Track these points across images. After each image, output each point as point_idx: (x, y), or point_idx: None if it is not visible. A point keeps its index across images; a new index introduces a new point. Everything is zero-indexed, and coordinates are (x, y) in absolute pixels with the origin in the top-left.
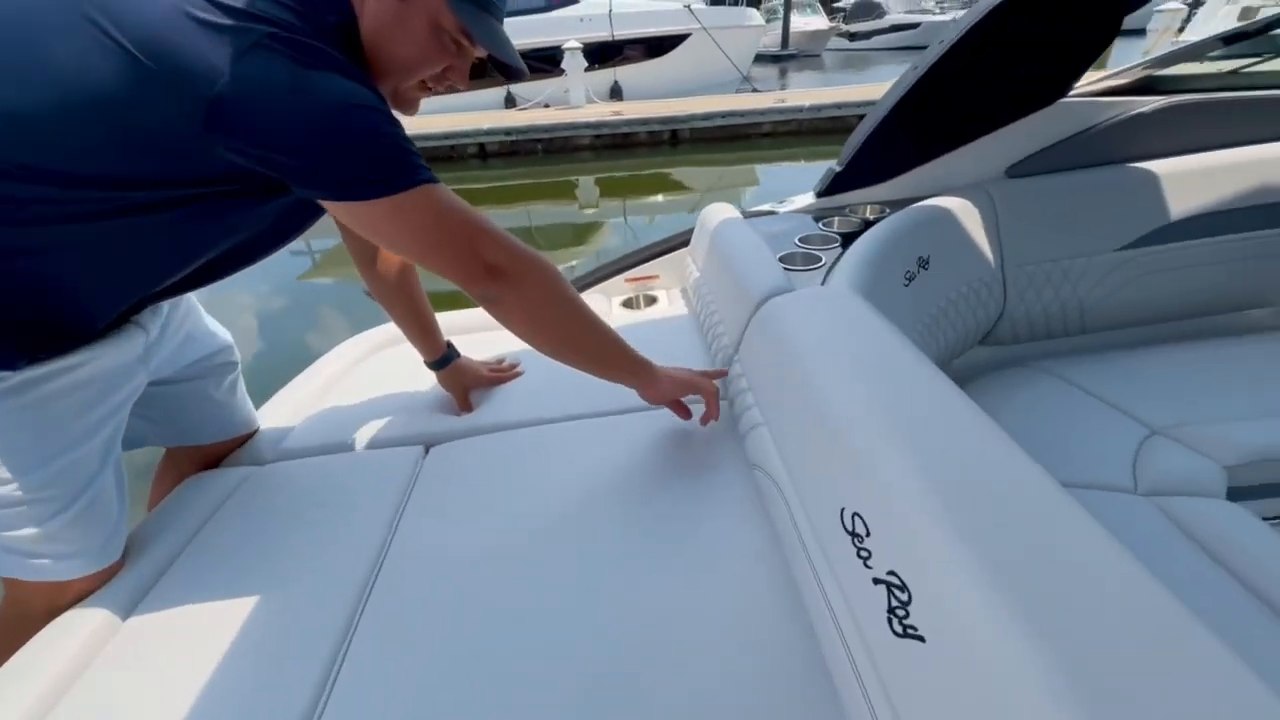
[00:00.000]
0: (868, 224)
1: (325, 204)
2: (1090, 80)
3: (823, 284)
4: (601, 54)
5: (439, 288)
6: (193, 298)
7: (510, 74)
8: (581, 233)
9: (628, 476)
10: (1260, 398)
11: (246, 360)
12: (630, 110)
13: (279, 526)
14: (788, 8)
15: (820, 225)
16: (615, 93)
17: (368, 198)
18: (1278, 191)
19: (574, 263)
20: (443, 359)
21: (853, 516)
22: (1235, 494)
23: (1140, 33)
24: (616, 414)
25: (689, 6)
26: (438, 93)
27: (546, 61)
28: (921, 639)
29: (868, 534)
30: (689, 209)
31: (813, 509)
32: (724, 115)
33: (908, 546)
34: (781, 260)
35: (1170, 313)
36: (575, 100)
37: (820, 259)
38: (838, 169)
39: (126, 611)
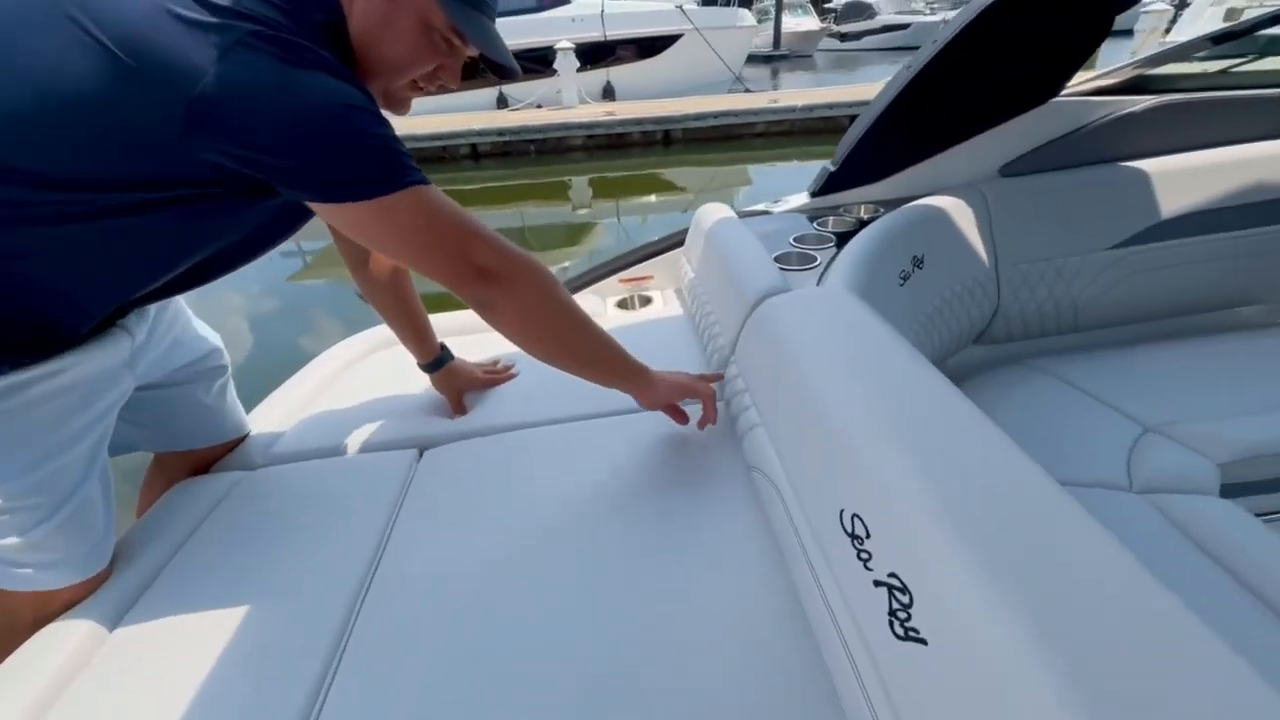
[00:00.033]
0: (862, 223)
1: (313, 206)
2: (1081, 80)
3: (818, 284)
4: (594, 54)
5: (432, 289)
6: (180, 301)
7: (503, 73)
8: (574, 233)
9: (624, 478)
10: (1251, 394)
11: (237, 363)
12: (623, 110)
13: (270, 533)
14: (779, 8)
15: (815, 225)
16: (608, 93)
17: (355, 199)
18: (1267, 189)
19: (567, 264)
20: (436, 361)
21: (852, 518)
22: (1228, 490)
23: (1128, 33)
24: (612, 415)
25: (681, 7)
26: (429, 92)
27: (539, 62)
28: (924, 642)
29: (868, 536)
30: (682, 209)
31: (811, 510)
32: (717, 115)
33: (909, 548)
34: (777, 260)
35: (1162, 310)
36: (568, 101)
37: (816, 259)
38: (832, 169)
39: (114, 621)
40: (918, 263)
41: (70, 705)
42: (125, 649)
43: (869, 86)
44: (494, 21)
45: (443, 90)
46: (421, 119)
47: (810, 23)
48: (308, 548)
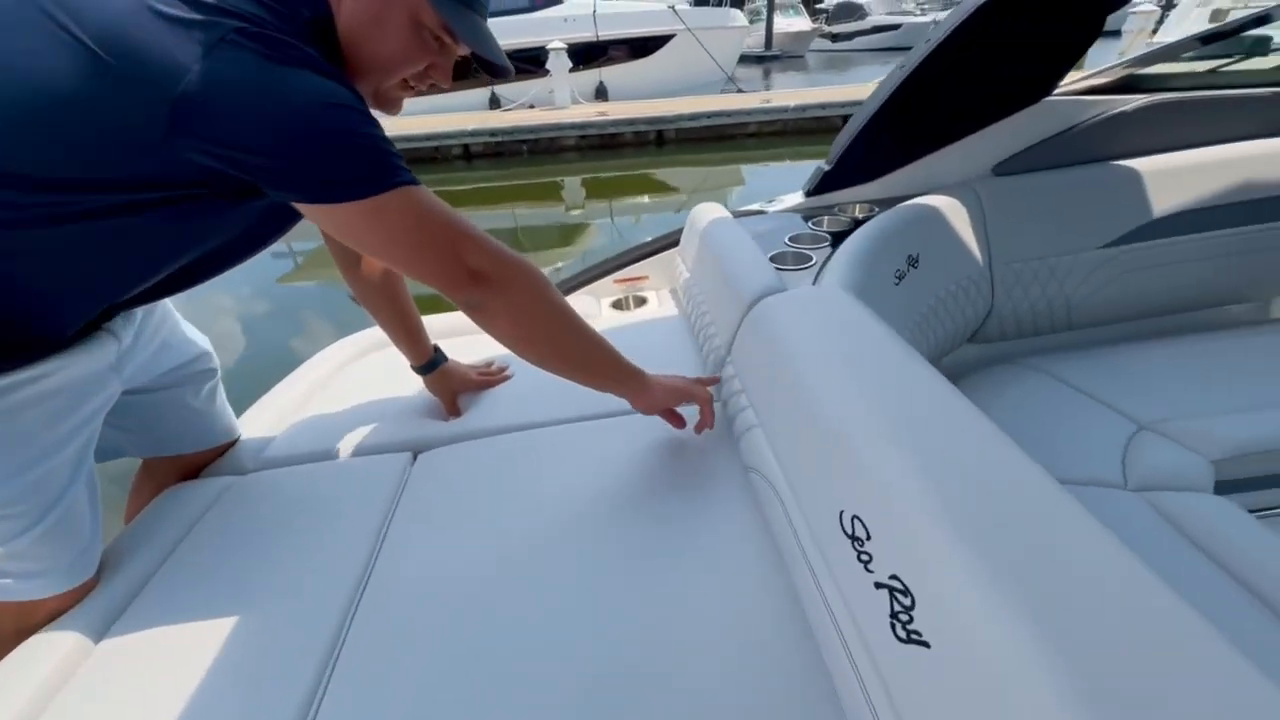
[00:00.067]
0: (857, 223)
1: (299, 207)
2: (1073, 80)
3: (814, 283)
4: (586, 54)
5: (425, 290)
6: (168, 303)
7: (495, 71)
8: (568, 234)
9: (621, 480)
10: (1242, 392)
11: (226, 366)
12: (616, 111)
13: (261, 539)
14: (771, 9)
15: (810, 224)
16: (600, 93)
17: (342, 200)
18: (1257, 188)
19: (560, 264)
20: (430, 363)
21: (852, 519)
22: (1222, 487)
23: (1115, 34)
24: (609, 417)
25: (673, 7)
26: (421, 92)
27: (531, 62)
28: (926, 644)
29: (868, 537)
30: (675, 209)
31: (810, 512)
32: (709, 116)
33: (910, 550)
34: (772, 260)
35: (1154, 308)
36: (560, 101)
37: (811, 258)
38: (826, 168)
39: (99, 633)
40: (913, 262)
41: None
42: (112, 661)
43: (861, 87)
44: (485, 19)
45: (434, 90)
46: (413, 119)
47: (802, 23)
48: (300, 554)
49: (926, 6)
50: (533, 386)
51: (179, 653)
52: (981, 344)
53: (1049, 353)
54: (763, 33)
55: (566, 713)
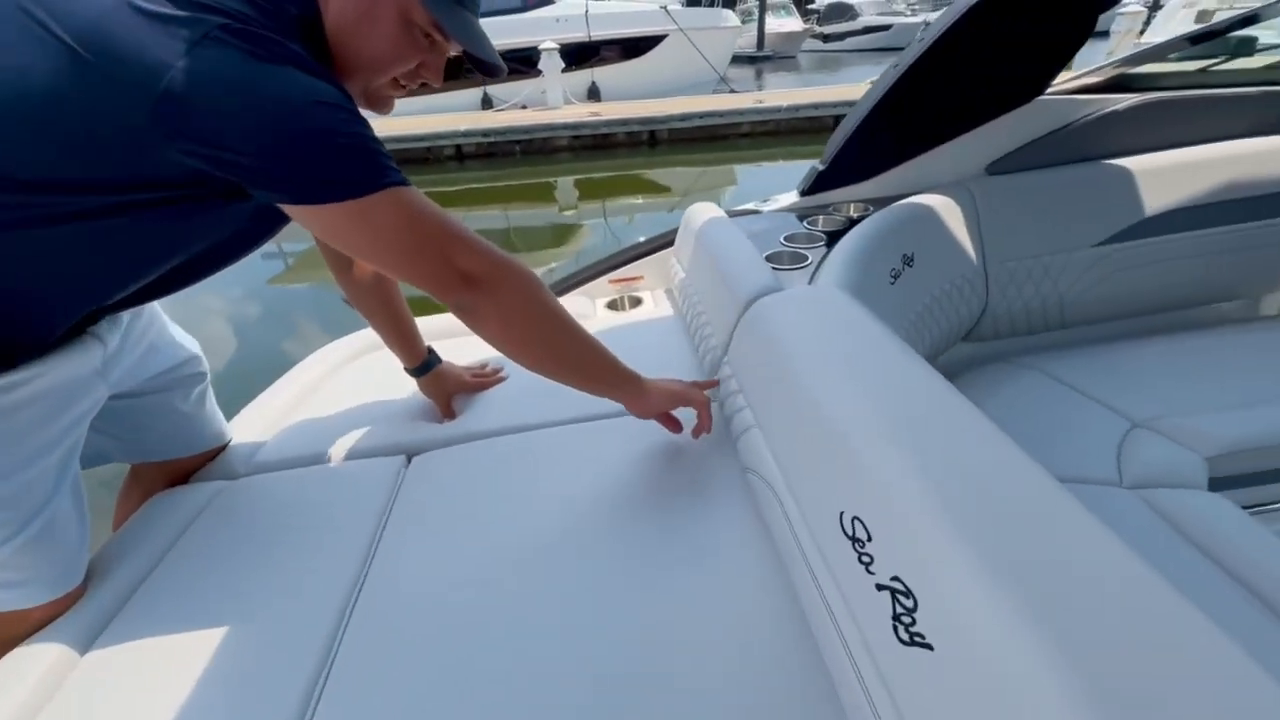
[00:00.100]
0: (852, 222)
1: (286, 209)
2: (1064, 79)
3: (810, 283)
4: (579, 55)
5: (417, 291)
6: (156, 306)
7: (487, 70)
8: (561, 235)
9: (618, 482)
10: (1235, 388)
11: (217, 369)
12: (608, 111)
13: (253, 545)
14: (763, 9)
15: (805, 224)
16: (593, 94)
17: (328, 201)
18: (1247, 186)
19: (553, 265)
20: (423, 365)
21: (852, 521)
22: (1216, 484)
23: (1104, 35)
24: (605, 418)
25: (665, 8)
26: (412, 91)
27: (523, 62)
28: (929, 647)
29: (869, 539)
30: (669, 209)
31: (810, 513)
32: (702, 116)
33: (912, 551)
34: (768, 259)
35: (1147, 306)
36: (553, 101)
37: (807, 258)
38: (821, 167)
39: (86, 644)
40: (908, 261)
41: None
42: (98, 673)
43: (853, 87)
44: (477, 17)
45: (425, 89)
46: (405, 119)
47: (793, 24)
48: (293, 559)
49: (917, 7)
50: (527, 388)
51: (168, 664)
52: (976, 342)
53: (1043, 351)
54: (754, 33)
55: (565, 715)
